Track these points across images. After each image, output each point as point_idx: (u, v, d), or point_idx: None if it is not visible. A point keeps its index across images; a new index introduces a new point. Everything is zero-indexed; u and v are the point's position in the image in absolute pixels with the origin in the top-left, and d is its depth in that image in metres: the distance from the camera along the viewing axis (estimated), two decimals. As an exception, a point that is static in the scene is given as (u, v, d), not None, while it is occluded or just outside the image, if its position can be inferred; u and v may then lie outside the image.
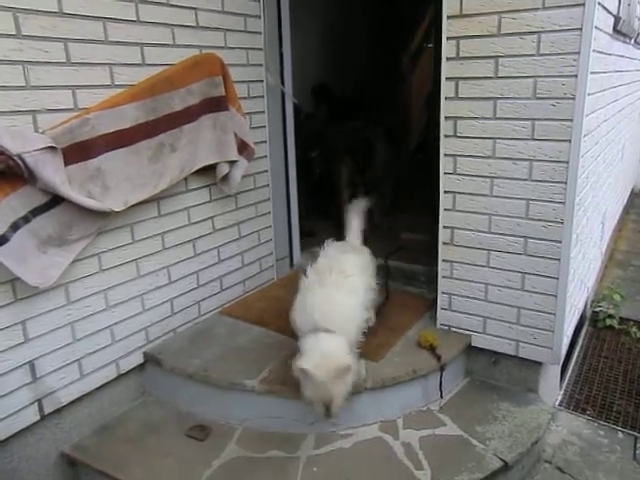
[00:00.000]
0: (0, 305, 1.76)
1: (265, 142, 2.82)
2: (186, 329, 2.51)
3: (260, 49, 2.69)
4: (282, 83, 2.93)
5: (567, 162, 2.02)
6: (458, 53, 2.14)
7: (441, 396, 2.28)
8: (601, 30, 2.19)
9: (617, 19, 2.57)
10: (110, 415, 2.19)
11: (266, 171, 2.88)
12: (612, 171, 3.41)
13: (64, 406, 2.02)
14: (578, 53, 1.92)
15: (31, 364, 1.88)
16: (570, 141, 2.00)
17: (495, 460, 1.93)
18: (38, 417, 1.93)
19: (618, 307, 3.25)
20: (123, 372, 2.23)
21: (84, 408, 2.10)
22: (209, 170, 2.43)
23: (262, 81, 2.74)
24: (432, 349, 2.28)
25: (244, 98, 2.60)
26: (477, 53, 2.10)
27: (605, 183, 3.10)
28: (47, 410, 1.95)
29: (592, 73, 2.00)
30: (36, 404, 1.91)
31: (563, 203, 2.06)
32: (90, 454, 2.01)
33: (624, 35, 2.98)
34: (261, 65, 2.71)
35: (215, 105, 2.35)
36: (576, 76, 1.94)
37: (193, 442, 2.05)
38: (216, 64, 2.34)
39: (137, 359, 2.29)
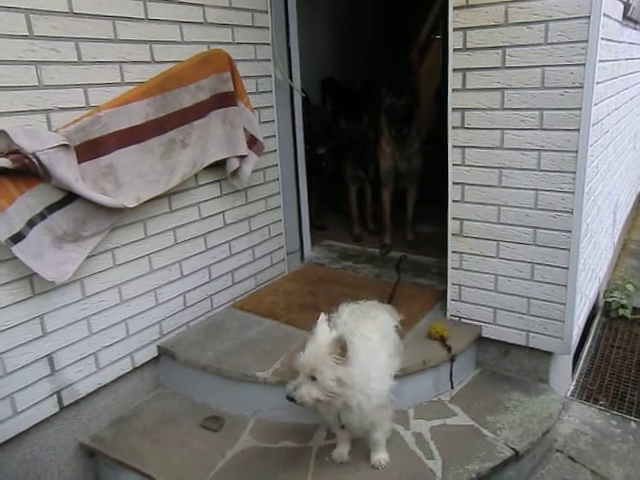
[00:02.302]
0: (19, 300, 1.80)
1: (274, 136, 2.84)
2: (199, 322, 2.55)
3: (268, 44, 2.71)
4: (290, 77, 2.95)
5: (576, 151, 2.01)
6: (465, 44, 2.14)
7: (452, 387, 2.30)
8: (610, 17, 2.17)
9: (627, 6, 2.54)
10: (126, 407, 2.24)
11: (276, 165, 2.90)
12: (624, 160, 3.38)
13: (82, 398, 2.06)
14: (586, 41, 1.90)
15: (49, 357, 1.93)
16: (579, 130, 1.99)
17: (506, 449, 1.94)
18: (57, 409, 1.98)
19: (631, 297, 3.22)
20: (138, 365, 2.27)
21: (101, 400, 2.15)
22: (219, 165, 2.45)
23: (270, 76, 2.75)
24: (442, 340, 2.29)
25: (253, 93, 2.62)
26: (484, 44, 2.10)
27: (616, 172, 3.07)
28: (66, 402, 2.00)
29: (601, 61, 1.99)
30: (55, 396, 1.96)
31: (572, 193, 2.06)
32: (108, 445, 2.06)
33: (635, 22, 2.94)
34: (269, 60, 2.73)
35: (224, 100, 2.37)
36: (584, 64, 1.92)
37: (207, 433, 2.09)
38: (224, 60, 2.36)
39: (151, 352, 2.33)
